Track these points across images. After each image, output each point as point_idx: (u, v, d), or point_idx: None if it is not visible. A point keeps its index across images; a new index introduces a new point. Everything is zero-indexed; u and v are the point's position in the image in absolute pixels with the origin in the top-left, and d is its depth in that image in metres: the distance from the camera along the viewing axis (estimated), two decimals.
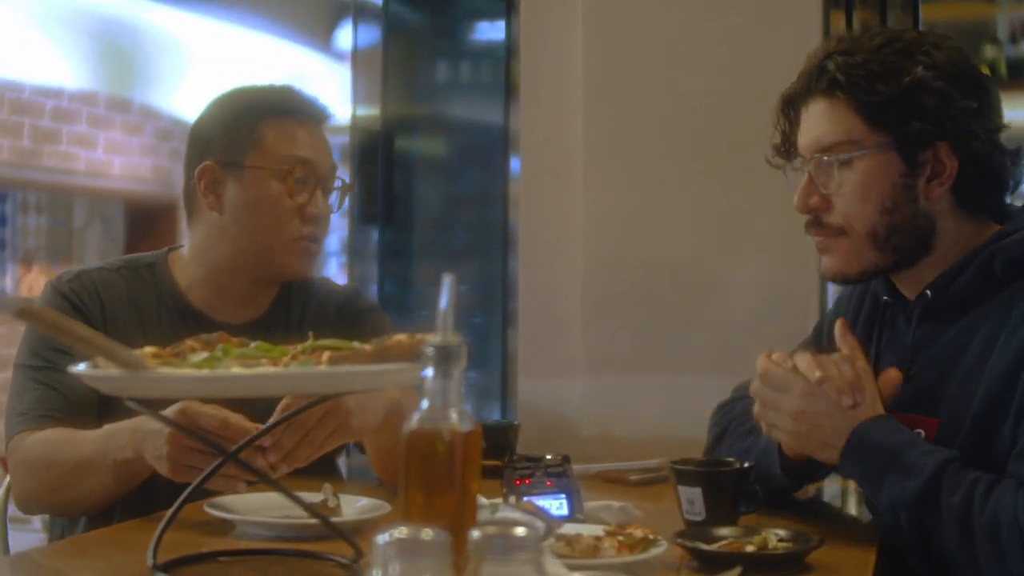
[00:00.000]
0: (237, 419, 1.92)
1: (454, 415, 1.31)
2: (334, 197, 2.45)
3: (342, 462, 2.66)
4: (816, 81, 2.00)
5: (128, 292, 2.38)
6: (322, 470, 2.41)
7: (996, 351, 1.85)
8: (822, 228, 2.02)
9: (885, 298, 2.09)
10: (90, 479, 2.13)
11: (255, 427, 1.89)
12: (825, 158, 1.99)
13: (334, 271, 6.44)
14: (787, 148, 2.09)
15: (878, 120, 1.95)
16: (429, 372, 1.31)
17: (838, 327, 1.98)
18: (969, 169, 1.95)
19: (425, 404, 1.31)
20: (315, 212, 2.36)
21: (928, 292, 1.98)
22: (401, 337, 1.50)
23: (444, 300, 1.36)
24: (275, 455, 1.94)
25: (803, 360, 1.92)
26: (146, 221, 7.94)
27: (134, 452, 2.03)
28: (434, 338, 1.32)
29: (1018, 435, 1.79)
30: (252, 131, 2.36)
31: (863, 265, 2.01)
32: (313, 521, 1.82)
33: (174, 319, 2.36)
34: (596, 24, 2.94)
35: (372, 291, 3.92)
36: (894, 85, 1.93)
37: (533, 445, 2.64)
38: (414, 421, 1.31)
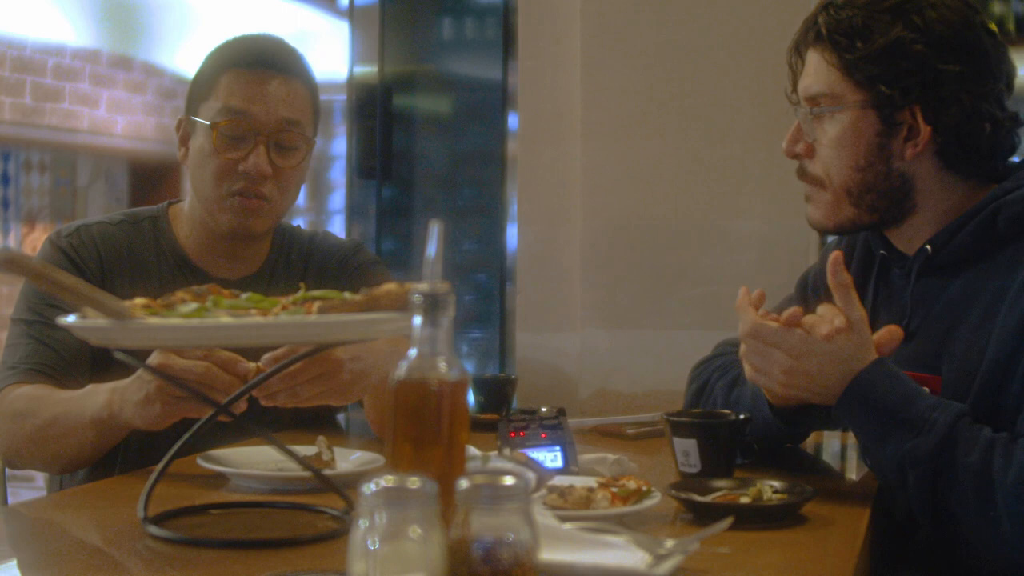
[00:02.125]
0: (225, 359, 1.87)
1: (442, 364, 1.30)
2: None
3: (341, 417, 2.66)
4: (808, 31, 2.01)
5: (128, 246, 2.37)
6: (320, 424, 2.42)
7: (1004, 308, 1.82)
8: (806, 175, 2.04)
9: (882, 252, 2.08)
10: (67, 435, 2.11)
11: (240, 374, 1.87)
12: (810, 108, 2.00)
13: (338, 228, 6.45)
14: (796, 91, 2.08)
15: (858, 78, 1.94)
16: (418, 321, 1.30)
17: (832, 261, 1.84)
18: (948, 134, 1.93)
19: (413, 352, 1.30)
20: (247, 168, 2.28)
21: (928, 247, 1.96)
22: (391, 286, 1.49)
23: (432, 248, 1.35)
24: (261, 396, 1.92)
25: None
26: (150, 180, 7.92)
27: (110, 413, 2.01)
28: (422, 286, 1.31)
29: None
30: (211, 83, 2.33)
31: (840, 219, 2.02)
32: (306, 474, 1.82)
33: (173, 273, 2.35)
34: None
35: (371, 247, 3.91)
36: (869, 44, 1.92)
37: (531, 400, 2.64)
38: (402, 370, 1.30)
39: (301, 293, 1.60)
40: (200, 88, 2.35)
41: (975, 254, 1.93)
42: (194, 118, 2.34)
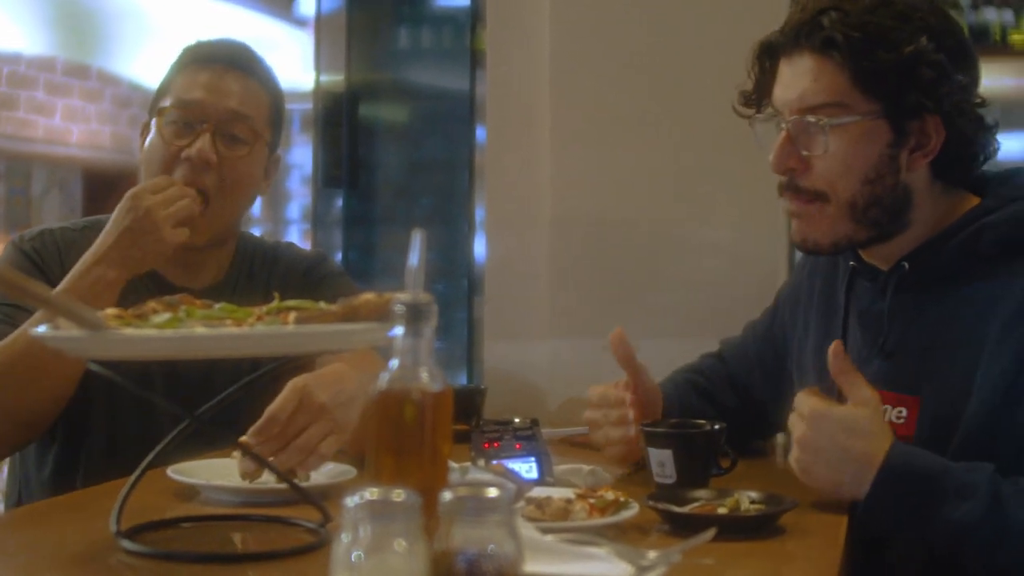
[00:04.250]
0: None
1: (424, 374, 1.29)
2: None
3: None
4: (808, 36, 1.91)
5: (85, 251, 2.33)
6: None
7: (993, 338, 1.80)
8: (798, 192, 1.95)
9: (852, 263, 2.04)
10: (37, 361, 2.05)
11: None
12: (809, 119, 1.91)
13: (295, 238, 6.41)
14: (758, 97, 2.02)
15: (872, 87, 1.88)
16: (399, 331, 1.29)
17: (832, 353, 1.83)
18: (953, 143, 1.91)
19: (395, 363, 1.29)
20: (190, 154, 2.24)
21: (905, 264, 1.94)
22: (369, 296, 1.47)
23: (414, 257, 1.34)
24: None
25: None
26: (105, 189, 7.83)
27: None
28: (404, 296, 1.30)
29: None
30: (168, 83, 2.33)
31: (837, 236, 1.95)
32: (279, 486, 1.80)
33: (135, 281, 2.32)
34: None
35: (336, 258, 3.89)
36: (895, 54, 1.87)
37: (500, 410, 2.63)
38: (384, 381, 1.29)
39: (275, 303, 1.57)
40: (159, 91, 2.35)
41: (954, 274, 1.90)
42: (152, 116, 2.33)
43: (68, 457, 2.29)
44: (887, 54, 1.87)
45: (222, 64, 2.32)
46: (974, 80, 1.94)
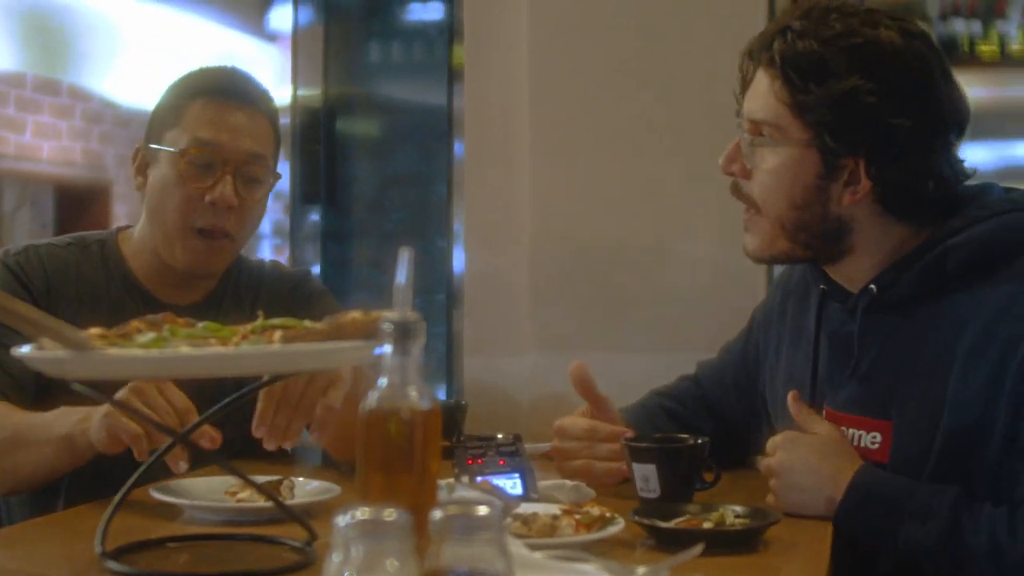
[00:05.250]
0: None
1: (413, 393, 1.29)
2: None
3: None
4: (763, 51, 1.93)
5: (76, 268, 2.35)
6: (273, 453, 2.39)
7: (959, 364, 1.80)
8: (740, 194, 1.99)
9: (822, 287, 2.04)
10: (28, 449, 2.06)
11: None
12: (746, 135, 1.95)
13: (268, 253, 6.39)
14: (744, 96, 2.02)
15: (804, 116, 1.88)
16: (387, 349, 1.29)
17: (791, 400, 1.97)
18: (888, 187, 1.88)
19: (383, 382, 1.29)
20: (215, 199, 2.26)
21: (873, 287, 1.93)
22: (355, 314, 1.47)
23: (402, 275, 1.34)
24: (272, 438, 1.89)
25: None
26: (77, 205, 7.82)
27: (81, 430, 1.96)
28: (391, 314, 1.30)
29: (1017, 459, 1.76)
30: (178, 112, 2.32)
31: (775, 251, 1.97)
32: (262, 505, 1.80)
33: (122, 297, 2.33)
34: (541, 4, 2.92)
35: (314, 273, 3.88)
36: (824, 89, 1.85)
37: (480, 426, 2.62)
38: (372, 399, 1.29)
39: (260, 322, 1.57)
40: (165, 116, 2.34)
41: (921, 295, 1.89)
42: (156, 146, 2.32)
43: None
44: (817, 88, 1.86)
45: (234, 100, 2.32)
46: (929, 125, 1.87)
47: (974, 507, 1.74)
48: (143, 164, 2.36)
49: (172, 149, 2.28)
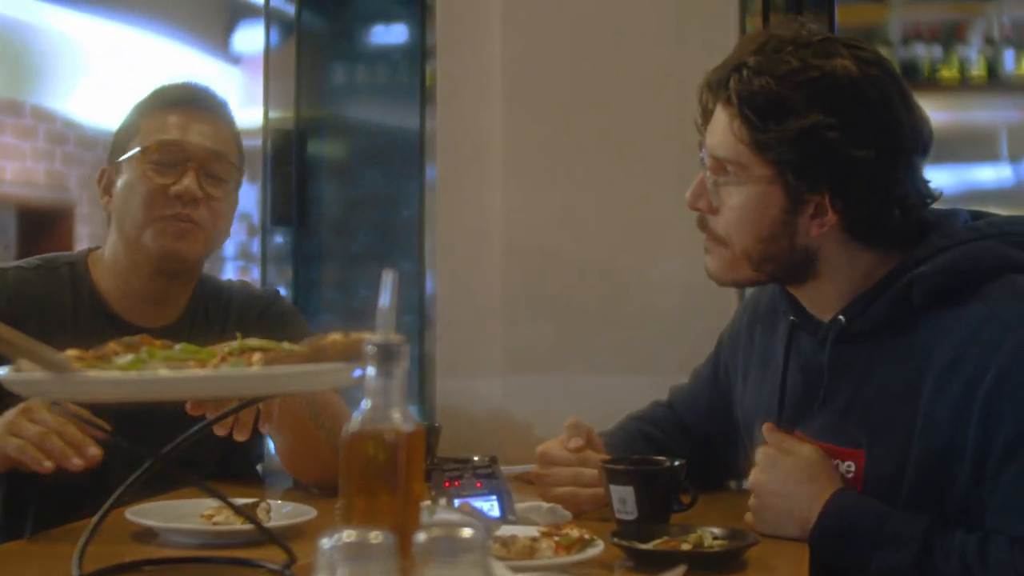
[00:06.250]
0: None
1: (397, 415, 1.29)
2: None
3: (260, 468, 2.63)
4: (721, 88, 1.92)
5: (43, 292, 2.34)
6: (243, 475, 2.39)
7: (927, 393, 1.80)
8: (707, 229, 1.98)
9: (792, 318, 2.04)
10: None
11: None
12: (708, 174, 1.94)
13: (232, 276, 6.37)
14: (705, 128, 1.99)
15: (764, 153, 1.86)
16: (370, 371, 1.29)
17: (766, 432, 1.96)
18: (855, 218, 1.88)
19: (367, 404, 1.28)
20: (179, 191, 2.29)
21: (842, 318, 1.93)
22: (336, 336, 1.47)
23: (386, 297, 1.34)
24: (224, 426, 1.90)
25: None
26: (39, 227, 7.76)
27: None
28: (375, 336, 1.29)
29: (986, 486, 1.76)
30: (136, 127, 2.37)
31: (738, 276, 1.99)
32: (239, 528, 1.79)
33: (91, 319, 2.32)
34: (514, 26, 2.92)
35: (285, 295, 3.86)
36: (784, 128, 1.83)
37: (454, 447, 2.62)
38: (356, 422, 1.29)
39: (239, 343, 1.56)
40: (127, 132, 2.38)
41: (890, 324, 1.89)
42: (121, 159, 2.35)
43: (17, 500, 2.27)
44: (776, 126, 1.84)
45: (194, 107, 2.38)
46: (891, 154, 1.86)
47: (947, 534, 1.75)
48: (109, 183, 2.39)
49: (137, 148, 2.33)
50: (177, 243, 2.32)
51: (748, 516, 1.91)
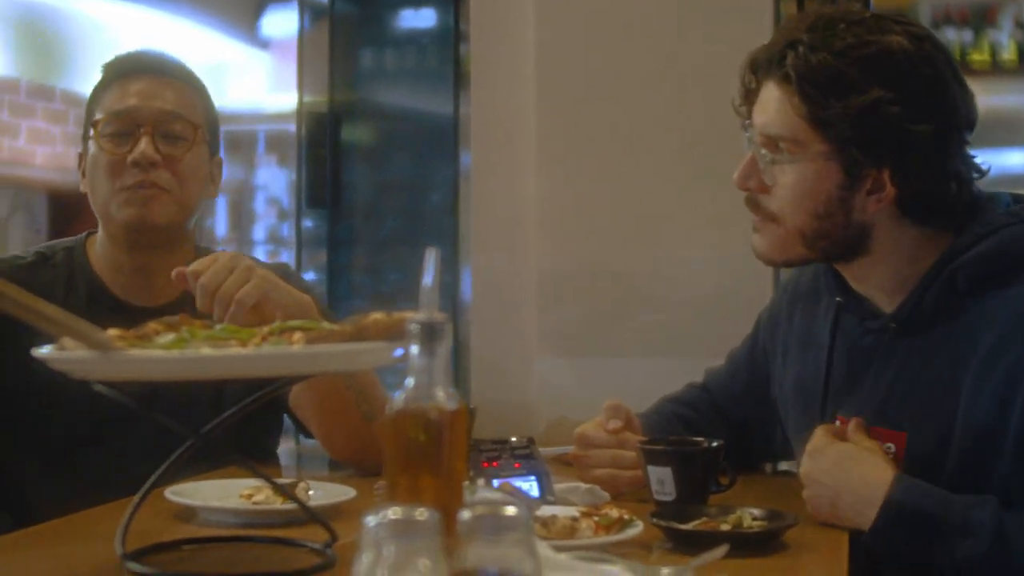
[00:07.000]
0: None
1: (440, 393, 1.28)
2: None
3: (283, 452, 2.62)
4: (774, 65, 1.91)
5: (33, 283, 2.24)
6: (261, 459, 2.38)
7: (976, 370, 1.80)
8: (758, 209, 1.97)
9: (838, 299, 2.04)
10: None
11: None
12: (763, 151, 1.93)
13: (263, 259, 6.38)
14: (747, 109, 2.00)
15: (824, 130, 1.87)
16: (414, 350, 1.29)
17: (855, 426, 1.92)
18: (912, 194, 1.89)
19: (410, 382, 1.28)
20: (136, 157, 2.30)
21: (893, 324, 1.94)
22: (378, 316, 1.47)
23: (429, 276, 1.34)
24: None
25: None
26: (70, 211, 7.77)
27: None
28: (419, 315, 1.29)
29: None
30: (93, 104, 2.39)
31: (789, 255, 1.98)
32: (279, 507, 1.79)
33: (87, 305, 2.32)
34: (548, 12, 2.92)
35: (306, 277, 3.87)
36: (845, 104, 1.84)
37: (488, 431, 2.62)
38: (399, 401, 1.29)
39: (279, 323, 1.57)
40: (88, 112, 2.40)
41: (937, 313, 1.90)
42: (88, 141, 2.38)
43: (44, 484, 2.29)
44: (838, 102, 1.85)
45: (148, 73, 2.38)
46: (947, 129, 1.88)
47: (1013, 515, 1.73)
48: (83, 165, 2.41)
49: (91, 128, 2.35)
50: (143, 210, 2.32)
51: (808, 506, 1.88)
